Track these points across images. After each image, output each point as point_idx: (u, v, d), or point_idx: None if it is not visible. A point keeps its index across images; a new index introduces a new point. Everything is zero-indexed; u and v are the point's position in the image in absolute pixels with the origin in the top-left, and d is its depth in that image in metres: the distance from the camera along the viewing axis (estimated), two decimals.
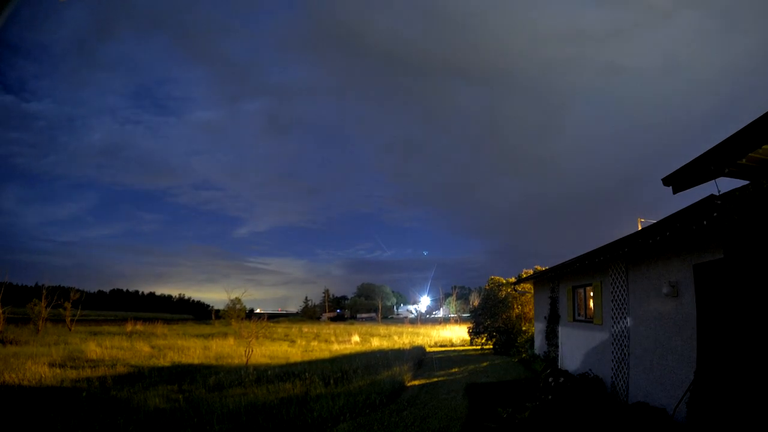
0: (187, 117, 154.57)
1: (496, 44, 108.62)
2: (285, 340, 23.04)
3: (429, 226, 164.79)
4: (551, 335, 11.30)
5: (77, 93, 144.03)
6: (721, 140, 3.58)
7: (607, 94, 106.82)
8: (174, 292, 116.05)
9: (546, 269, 12.18)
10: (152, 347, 17.06)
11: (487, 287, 20.62)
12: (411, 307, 77.64)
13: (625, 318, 6.80)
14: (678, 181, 4.15)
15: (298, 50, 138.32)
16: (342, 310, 78.26)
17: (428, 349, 19.39)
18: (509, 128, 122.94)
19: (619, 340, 6.98)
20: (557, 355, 10.65)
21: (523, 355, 13.75)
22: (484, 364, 13.28)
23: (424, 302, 78.19)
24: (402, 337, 24.61)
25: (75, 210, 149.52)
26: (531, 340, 14.32)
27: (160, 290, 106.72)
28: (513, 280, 18.73)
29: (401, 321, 57.61)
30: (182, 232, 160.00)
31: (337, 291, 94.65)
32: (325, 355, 16.74)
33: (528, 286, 17.14)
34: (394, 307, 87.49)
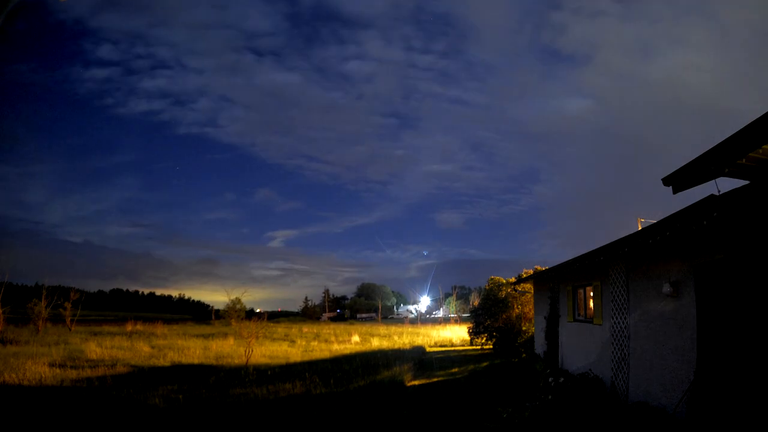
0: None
1: None
2: (285, 340, 23.01)
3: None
4: (551, 335, 11.29)
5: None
6: (721, 140, 3.57)
7: None
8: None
9: (546, 269, 12.17)
10: (152, 347, 17.04)
11: (487, 287, 20.60)
12: (411, 307, 77.53)
13: (625, 318, 6.80)
14: (678, 181, 4.14)
15: None
16: (342, 310, 78.18)
17: (428, 349, 19.38)
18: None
19: (619, 340, 6.97)
20: (557, 355, 10.65)
21: (523, 355, 13.75)
22: (484, 364, 13.29)
23: (424, 302, 78.15)
24: (402, 337, 24.58)
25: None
26: (531, 340, 14.31)
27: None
28: (513, 280, 18.72)
29: (401, 321, 57.55)
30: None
31: (339, 291, 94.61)
32: (325, 355, 16.73)
33: (528, 286, 17.12)
34: (394, 307, 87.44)
